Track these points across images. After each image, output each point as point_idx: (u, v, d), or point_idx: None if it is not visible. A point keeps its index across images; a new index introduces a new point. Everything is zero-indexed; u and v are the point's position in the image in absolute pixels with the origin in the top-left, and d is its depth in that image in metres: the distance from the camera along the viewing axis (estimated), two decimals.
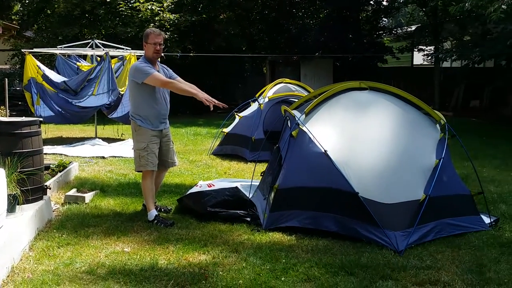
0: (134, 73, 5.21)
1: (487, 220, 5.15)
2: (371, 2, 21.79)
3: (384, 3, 22.07)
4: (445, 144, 5.09)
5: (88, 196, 6.08)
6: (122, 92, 10.43)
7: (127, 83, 10.44)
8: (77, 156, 9.27)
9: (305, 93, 9.35)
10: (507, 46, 11.56)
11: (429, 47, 21.13)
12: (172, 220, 5.19)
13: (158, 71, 5.27)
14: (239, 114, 9.93)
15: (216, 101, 5.06)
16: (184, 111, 18.93)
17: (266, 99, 9.58)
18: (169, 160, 5.59)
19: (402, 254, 4.28)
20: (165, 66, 5.56)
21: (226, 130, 9.88)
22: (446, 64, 20.66)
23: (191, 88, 5.27)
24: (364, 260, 4.15)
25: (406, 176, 4.88)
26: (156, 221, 5.13)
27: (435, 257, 4.27)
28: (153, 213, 5.21)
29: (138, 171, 5.51)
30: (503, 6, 9.44)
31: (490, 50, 12.73)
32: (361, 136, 5.12)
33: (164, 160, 5.51)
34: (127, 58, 10.86)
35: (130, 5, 17.15)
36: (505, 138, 12.22)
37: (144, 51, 5.34)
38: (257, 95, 10.33)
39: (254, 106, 9.87)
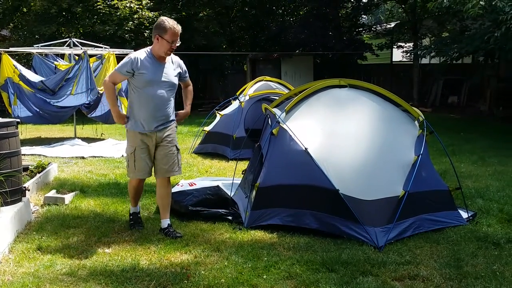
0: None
1: (464, 215, 5.23)
2: None
3: (364, 0, 22.24)
4: (423, 140, 5.16)
5: (68, 197, 6.02)
6: (101, 92, 10.34)
7: None
8: (56, 157, 9.17)
9: (286, 91, 9.39)
10: (484, 42, 11.71)
11: (408, 44, 21.35)
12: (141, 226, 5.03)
13: (163, 65, 4.65)
14: (220, 112, 9.92)
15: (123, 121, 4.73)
16: None
17: (247, 97, 9.59)
18: (167, 167, 4.77)
19: (382, 250, 4.33)
20: (181, 62, 4.89)
21: (207, 128, 9.86)
22: (425, 61, 20.88)
23: (114, 103, 4.79)
24: (345, 256, 4.19)
25: (385, 172, 4.93)
26: (130, 218, 5.08)
27: (414, 252, 4.34)
28: (132, 210, 5.13)
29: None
30: (481, 2, 9.54)
31: (468, 46, 12.87)
32: (341, 133, 5.16)
33: (161, 168, 4.78)
34: (105, 57, 10.76)
35: (108, 3, 17.00)
36: (482, 133, 12.41)
37: (153, 45, 4.64)
38: (237, 93, 10.34)
39: (235, 104, 9.87)
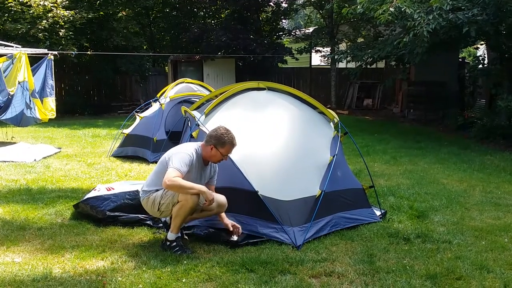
0: (175, 153, 4.44)
1: (377, 212, 5.48)
2: (271, 3, 22.28)
3: (284, 4, 22.65)
4: (338, 141, 5.35)
5: None
6: (11, 93, 9.80)
7: (16, 83, 9.87)
8: None
9: (207, 93, 9.36)
10: (395, 48, 12.31)
11: (326, 49, 22.02)
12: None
13: (205, 168, 4.64)
14: (139, 115, 9.72)
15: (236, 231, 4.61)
16: (83, 111, 18.18)
17: (168, 99, 9.48)
18: None
19: (300, 249, 4.44)
20: (217, 168, 4.79)
21: (127, 131, 9.62)
22: (342, 65, 21.64)
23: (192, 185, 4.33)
24: (264, 256, 4.25)
25: (302, 173, 5.06)
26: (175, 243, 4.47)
27: (330, 249, 4.48)
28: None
29: None
30: (391, 9, 10.01)
31: (380, 51, 13.45)
32: (260, 135, 5.23)
33: None
34: (16, 57, 10.20)
35: (20, 1, 16.14)
36: (394, 134, 13.03)
37: (203, 147, 4.54)
38: (158, 95, 10.19)
39: (155, 106, 9.72)
